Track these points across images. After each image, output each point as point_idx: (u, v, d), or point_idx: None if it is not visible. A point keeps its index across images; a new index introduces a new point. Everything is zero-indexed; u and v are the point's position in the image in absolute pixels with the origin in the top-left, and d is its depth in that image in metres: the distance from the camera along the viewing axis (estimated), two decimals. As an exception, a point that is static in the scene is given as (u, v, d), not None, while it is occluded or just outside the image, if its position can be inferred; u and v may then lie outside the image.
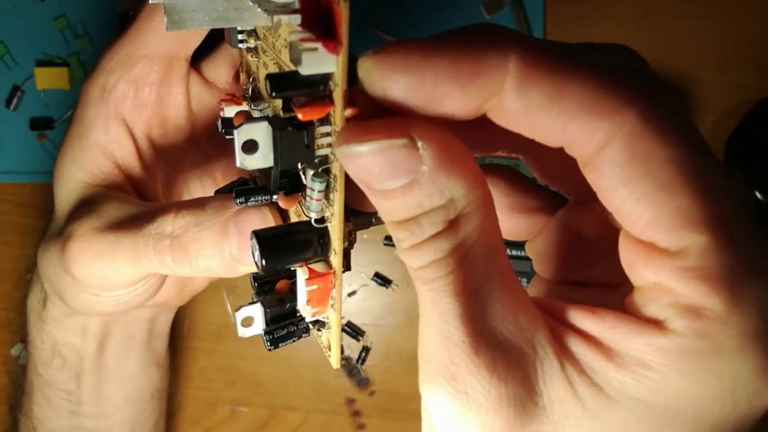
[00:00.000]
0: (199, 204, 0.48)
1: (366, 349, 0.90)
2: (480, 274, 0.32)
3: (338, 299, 0.41)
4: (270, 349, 0.45)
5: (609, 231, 0.39)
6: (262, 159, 0.36)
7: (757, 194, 0.80)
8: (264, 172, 0.45)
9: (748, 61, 0.84)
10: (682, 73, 0.85)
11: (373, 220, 0.41)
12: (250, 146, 0.35)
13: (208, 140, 0.63)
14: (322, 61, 0.31)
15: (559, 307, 0.35)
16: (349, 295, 0.90)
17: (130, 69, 0.56)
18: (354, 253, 0.88)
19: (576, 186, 0.42)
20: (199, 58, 0.60)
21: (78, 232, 0.52)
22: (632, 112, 0.29)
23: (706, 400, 0.31)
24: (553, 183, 0.43)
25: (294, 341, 0.45)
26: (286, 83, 0.34)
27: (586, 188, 0.36)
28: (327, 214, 0.39)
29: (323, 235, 0.40)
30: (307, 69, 0.31)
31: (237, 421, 0.95)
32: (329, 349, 0.44)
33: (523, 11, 0.84)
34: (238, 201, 0.44)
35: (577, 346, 0.33)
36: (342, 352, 0.90)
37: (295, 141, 0.35)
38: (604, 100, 0.30)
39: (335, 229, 0.38)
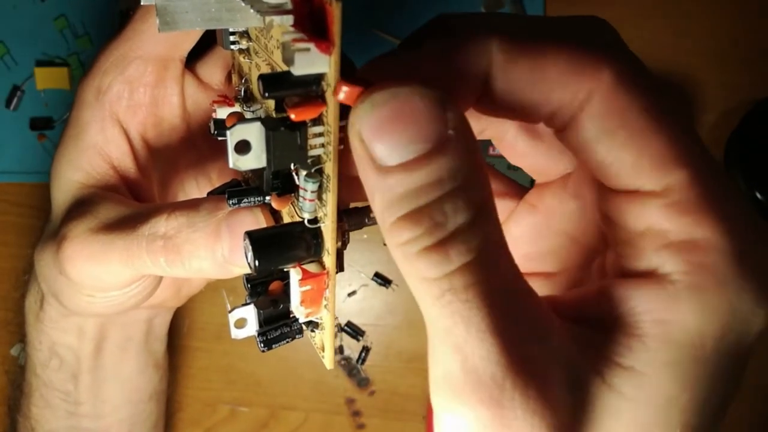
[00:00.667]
0: (192, 205, 0.48)
1: (366, 349, 0.90)
2: (503, 279, 0.30)
3: (332, 300, 0.41)
4: (263, 350, 0.45)
5: (576, 209, 0.41)
6: (255, 159, 0.36)
7: (757, 194, 0.80)
8: (257, 173, 0.45)
9: (748, 61, 0.84)
10: (682, 73, 0.85)
11: (367, 220, 0.41)
12: (243, 147, 0.35)
13: (204, 141, 0.63)
14: (314, 62, 0.31)
15: (562, 301, 0.35)
16: (349, 295, 0.90)
17: (125, 70, 0.56)
18: (354, 253, 0.88)
19: (546, 163, 0.42)
20: (193, 59, 0.60)
21: (72, 234, 0.52)
22: (607, 71, 0.32)
23: (725, 332, 0.31)
24: (524, 163, 0.43)
25: (287, 342, 0.45)
26: (278, 83, 0.34)
27: (554, 165, 0.40)
28: (320, 214, 0.39)
29: (316, 235, 0.40)
30: (299, 69, 0.31)
31: (237, 421, 0.95)
32: (323, 350, 0.44)
33: (523, 11, 0.84)
34: (230, 202, 0.43)
35: (595, 339, 0.32)
36: (342, 352, 0.90)
37: (287, 141, 0.35)
38: (582, 63, 0.32)
39: (328, 229, 0.38)
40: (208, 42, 0.60)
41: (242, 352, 0.94)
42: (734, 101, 0.84)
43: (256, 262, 0.39)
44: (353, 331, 0.90)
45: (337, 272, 0.40)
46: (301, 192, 0.38)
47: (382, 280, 0.89)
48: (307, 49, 0.31)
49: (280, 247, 0.39)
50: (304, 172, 0.37)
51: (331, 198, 0.36)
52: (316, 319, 0.43)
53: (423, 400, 0.91)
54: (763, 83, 0.84)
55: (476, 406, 0.29)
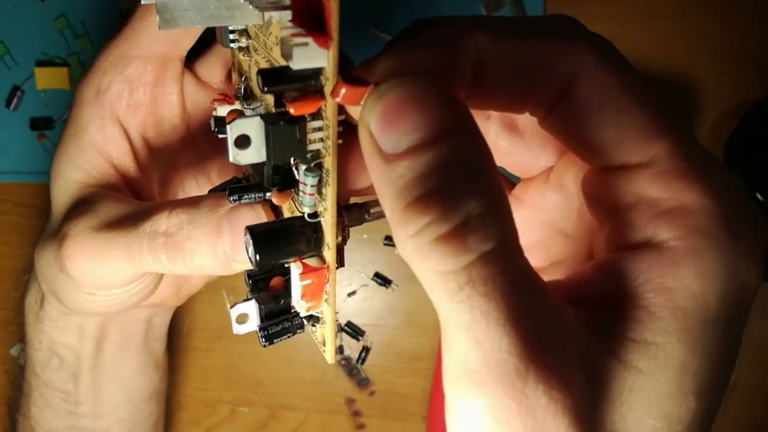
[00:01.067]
0: (193, 202, 0.49)
1: (366, 349, 0.90)
2: (519, 269, 0.30)
3: (332, 294, 0.41)
4: (265, 345, 0.45)
5: (559, 201, 0.42)
6: (255, 154, 0.36)
7: (758, 195, 0.80)
8: (257, 169, 0.45)
9: (748, 61, 0.84)
10: (682, 73, 0.85)
11: (366, 215, 0.41)
12: (243, 141, 0.36)
13: (203, 140, 0.63)
14: (312, 56, 0.31)
15: (561, 286, 0.35)
16: (349, 295, 0.90)
17: (125, 69, 0.56)
18: (354, 253, 0.88)
19: (527, 160, 0.43)
20: (192, 58, 0.61)
21: (73, 232, 0.52)
22: (590, 53, 0.33)
23: (726, 293, 0.32)
24: (506, 161, 0.44)
25: (289, 337, 0.45)
26: (277, 78, 0.34)
27: (536, 160, 0.42)
28: (320, 209, 0.39)
29: (316, 229, 0.40)
30: (298, 63, 0.31)
31: (237, 421, 0.95)
32: (324, 345, 0.44)
33: (523, 10, 0.84)
34: (231, 199, 0.44)
35: (602, 319, 0.32)
36: (342, 351, 0.90)
37: (287, 135, 0.35)
38: (565, 47, 0.33)
39: (328, 223, 0.38)
40: (207, 41, 0.60)
41: (242, 352, 0.94)
42: (734, 101, 0.84)
43: (257, 257, 0.39)
44: (353, 331, 0.90)
45: (337, 267, 0.41)
46: (301, 186, 0.38)
47: (382, 280, 0.89)
48: (306, 44, 0.31)
49: (280, 242, 0.40)
50: (303, 167, 0.37)
51: (330, 192, 0.37)
52: (317, 313, 0.43)
53: (423, 400, 0.91)
54: (763, 83, 0.84)
55: (500, 398, 0.29)
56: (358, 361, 0.91)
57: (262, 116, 0.35)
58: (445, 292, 0.29)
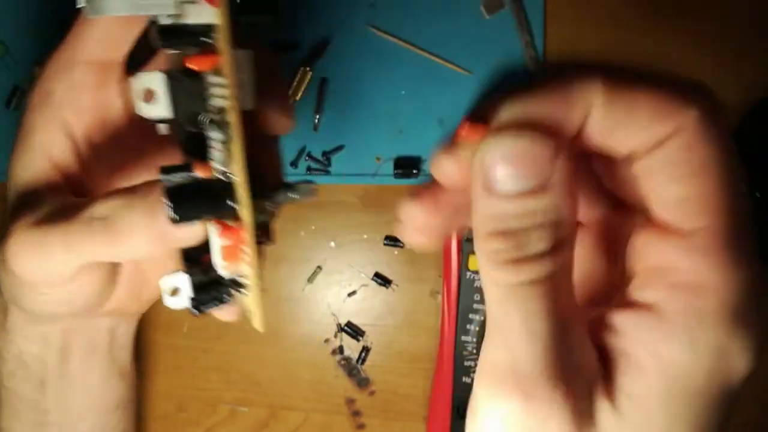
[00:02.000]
0: (129, 188, 0.50)
1: (366, 349, 0.90)
2: (559, 301, 0.34)
3: (252, 255, 0.41)
4: (196, 315, 0.46)
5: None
6: (163, 108, 0.37)
7: (758, 194, 0.79)
8: (177, 131, 0.46)
9: (749, 61, 0.83)
10: (682, 73, 0.84)
11: (288, 194, 0.42)
12: (149, 96, 0.37)
13: (149, 141, 0.63)
14: (202, 12, 0.33)
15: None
16: (349, 295, 0.90)
17: (70, 74, 0.57)
18: (354, 253, 0.88)
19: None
20: (138, 68, 0.61)
21: (14, 229, 0.53)
22: (693, 110, 0.33)
23: (713, 373, 0.33)
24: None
25: (217, 305, 0.46)
26: (174, 34, 0.35)
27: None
28: (232, 169, 0.39)
29: (229, 187, 0.40)
30: (189, 19, 0.33)
31: (237, 421, 0.95)
32: (251, 312, 0.44)
33: (523, 11, 0.84)
34: (162, 177, 0.44)
35: (602, 362, 0.36)
36: (342, 352, 0.90)
37: (190, 90, 0.36)
38: (671, 101, 0.33)
39: (240, 180, 0.39)
40: (151, 51, 0.61)
41: (242, 352, 0.94)
42: (734, 101, 0.84)
43: (173, 213, 0.40)
44: (353, 331, 0.90)
45: (268, 244, 0.41)
46: (212, 143, 0.39)
47: (382, 280, 0.89)
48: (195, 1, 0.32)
49: (194, 198, 0.41)
50: (211, 125, 0.38)
51: (236, 148, 0.37)
52: (241, 279, 0.44)
53: (423, 400, 0.91)
54: (763, 83, 0.83)
55: (523, 398, 0.34)
56: (358, 361, 0.91)
57: (166, 71, 0.36)
58: (495, 296, 0.35)
